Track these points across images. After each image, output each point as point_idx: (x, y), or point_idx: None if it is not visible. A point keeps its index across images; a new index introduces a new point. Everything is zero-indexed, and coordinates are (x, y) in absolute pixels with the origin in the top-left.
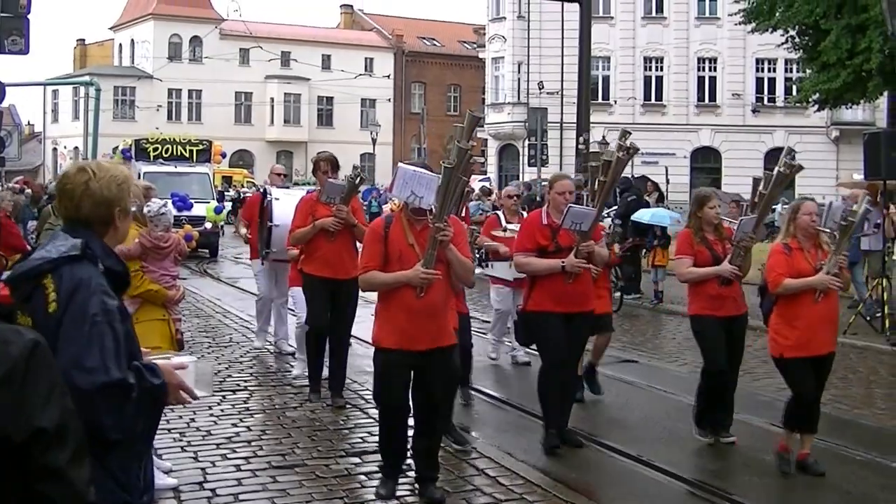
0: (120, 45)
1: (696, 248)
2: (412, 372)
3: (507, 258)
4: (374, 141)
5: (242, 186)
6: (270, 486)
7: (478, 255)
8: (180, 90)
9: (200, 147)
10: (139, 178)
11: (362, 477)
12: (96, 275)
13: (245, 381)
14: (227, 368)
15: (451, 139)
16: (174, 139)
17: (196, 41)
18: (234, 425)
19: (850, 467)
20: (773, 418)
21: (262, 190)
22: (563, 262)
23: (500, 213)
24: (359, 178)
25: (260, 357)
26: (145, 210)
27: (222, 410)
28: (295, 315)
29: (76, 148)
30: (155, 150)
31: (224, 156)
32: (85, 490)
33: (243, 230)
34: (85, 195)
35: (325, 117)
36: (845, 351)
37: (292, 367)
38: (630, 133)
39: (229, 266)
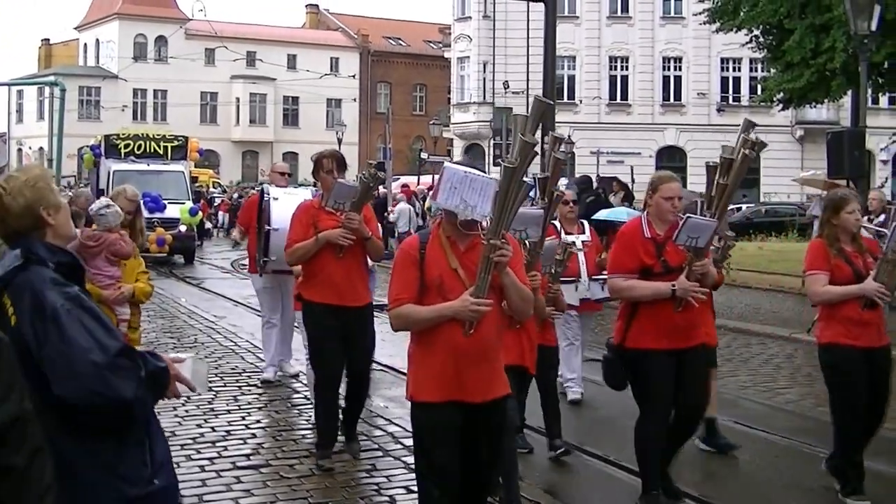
0: (85, 44)
1: (834, 262)
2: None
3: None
4: (339, 141)
5: (208, 187)
6: (235, 487)
7: None
8: (146, 90)
9: (175, 143)
10: (109, 176)
11: (326, 477)
12: (45, 274)
13: (210, 381)
14: None
15: (514, 126)
16: (147, 135)
17: (161, 41)
18: (199, 426)
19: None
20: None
21: (260, 190)
22: (673, 286)
23: (555, 222)
24: (375, 179)
25: (225, 357)
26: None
27: (186, 411)
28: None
29: (41, 148)
30: (126, 146)
31: (201, 153)
32: (42, 493)
33: (236, 233)
34: (5, 212)
35: (290, 117)
36: (810, 349)
37: (262, 370)
38: (754, 125)
39: (204, 271)
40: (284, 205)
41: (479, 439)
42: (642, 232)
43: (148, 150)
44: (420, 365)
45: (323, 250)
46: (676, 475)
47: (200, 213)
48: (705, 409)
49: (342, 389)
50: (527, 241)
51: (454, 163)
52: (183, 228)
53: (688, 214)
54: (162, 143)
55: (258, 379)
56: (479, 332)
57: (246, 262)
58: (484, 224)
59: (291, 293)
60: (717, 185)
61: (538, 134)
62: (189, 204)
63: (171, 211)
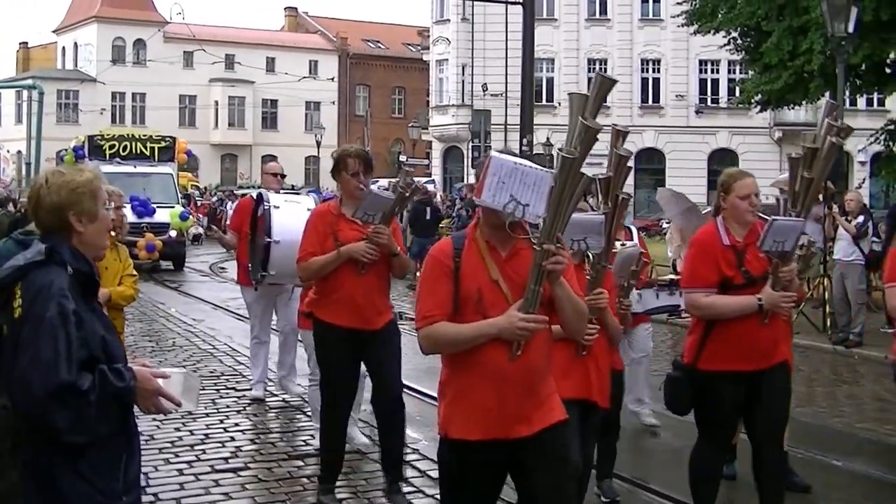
0: (63, 48)
1: None
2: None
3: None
4: (318, 144)
5: (187, 190)
6: (213, 490)
7: None
8: (124, 93)
9: (163, 144)
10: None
11: (304, 480)
12: (60, 278)
13: None
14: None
15: (570, 106)
16: (133, 135)
17: (140, 44)
18: (177, 429)
19: (793, 466)
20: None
21: (255, 195)
22: (759, 299)
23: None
24: (412, 187)
25: (203, 361)
26: None
27: (164, 414)
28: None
29: (19, 152)
30: (111, 147)
31: (189, 154)
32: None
33: (231, 237)
34: (38, 204)
35: (269, 120)
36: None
37: (250, 380)
38: (837, 106)
39: (183, 274)
40: (287, 214)
41: (534, 479)
42: (720, 239)
43: (134, 151)
44: (456, 395)
45: (342, 265)
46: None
47: (191, 218)
48: (784, 433)
49: (359, 415)
50: (589, 254)
51: (502, 152)
52: (173, 233)
53: (773, 217)
54: (148, 144)
55: (247, 397)
56: (528, 355)
57: (225, 265)
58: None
59: (289, 304)
60: (802, 179)
61: (516, 135)
62: (179, 208)
63: (161, 215)
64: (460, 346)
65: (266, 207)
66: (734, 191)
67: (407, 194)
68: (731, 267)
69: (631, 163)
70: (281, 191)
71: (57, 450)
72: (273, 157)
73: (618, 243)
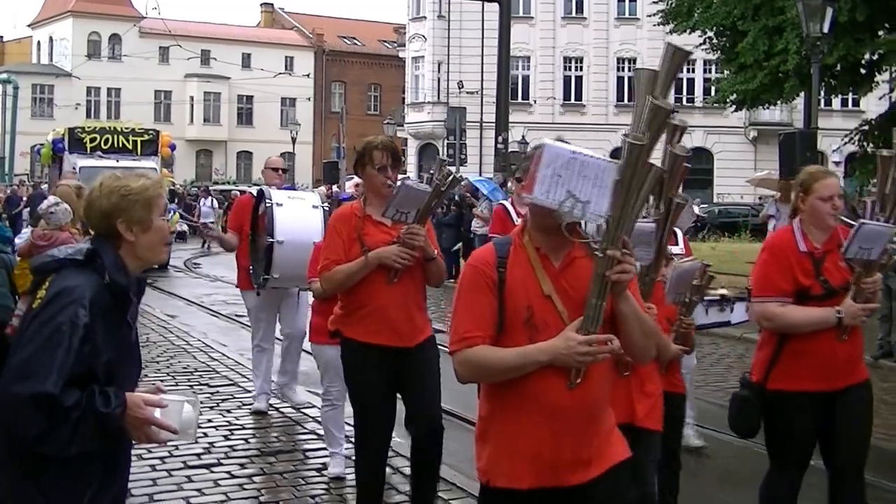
0: (38, 42)
1: None
2: None
3: None
4: (293, 140)
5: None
6: (185, 486)
7: None
8: (99, 88)
9: (146, 137)
10: (74, 172)
11: (277, 476)
12: (89, 285)
13: (161, 380)
14: (143, 368)
15: (637, 83)
16: (114, 128)
17: (115, 39)
18: None
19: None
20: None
21: (256, 192)
22: (839, 312)
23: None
24: (451, 178)
25: (177, 357)
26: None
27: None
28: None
29: None
30: (92, 140)
31: (173, 148)
32: None
33: (231, 238)
34: (89, 207)
35: (244, 116)
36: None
37: (254, 397)
38: None
39: (156, 270)
40: (291, 212)
41: None
42: (796, 244)
43: (116, 144)
44: (500, 436)
45: (371, 274)
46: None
47: (177, 215)
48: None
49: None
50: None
51: (556, 141)
52: None
53: (861, 221)
54: (131, 137)
55: (249, 409)
56: (588, 384)
57: (199, 261)
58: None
59: (296, 310)
60: (893, 180)
61: (491, 132)
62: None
63: None
64: (506, 374)
65: (268, 205)
66: (815, 192)
67: (444, 188)
68: (808, 276)
69: None
70: (283, 187)
71: (24, 456)
72: (248, 154)
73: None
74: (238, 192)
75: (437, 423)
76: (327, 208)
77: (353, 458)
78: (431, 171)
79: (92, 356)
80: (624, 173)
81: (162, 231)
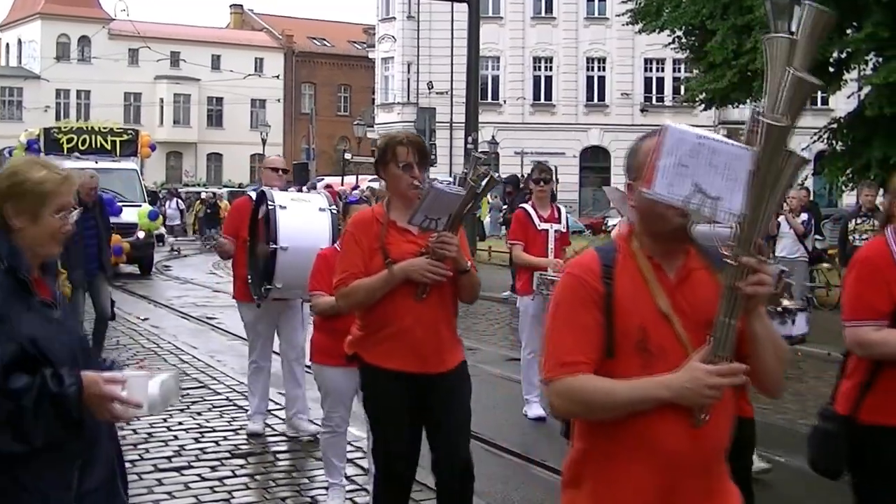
0: (7, 44)
1: None
2: None
3: None
4: (263, 142)
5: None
6: (156, 489)
7: None
8: (69, 90)
9: (125, 137)
10: None
11: (247, 479)
12: None
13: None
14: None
15: (782, 56)
16: (92, 128)
17: (84, 41)
18: (120, 428)
19: None
20: None
21: (254, 194)
22: None
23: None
24: (487, 179)
25: (147, 359)
26: None
27: (125, 421)
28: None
29: None
30: (69, 140)
31: (153, 148)
32: None
33: (226, 242)
34: None
35: (214, 118)
36: None
37: (248, 416)
38: None
39: (135, 276)
40: (295, 215)
41: None
42: (892, 256)
43: (94, 145)
44: (601, 483)
45: (395, 290)
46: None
47: (161, 218)
48: None
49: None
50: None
51: (677, 126)
52: (141, 235)
53: None
54: (109, 137)
55: (245, 432)
56: (713, 424)
57: (169, 263)
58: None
59: (295, 326)
60: None
61: (461, 133)
62: (147, 207)
63: (128, 215)
64: (615, 412)
65: (270, 207)
66: None
67: (479, 190)
68: None
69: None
70: (281, 188)
71: None
72: (218, 156)
73: None
74: (212, 194)
75: (467, 460)
76: (335, 211)
77: (371, 493)
78: (465, 171)
79: (12, 336)
80: (760, 161)
81: (50, 227)
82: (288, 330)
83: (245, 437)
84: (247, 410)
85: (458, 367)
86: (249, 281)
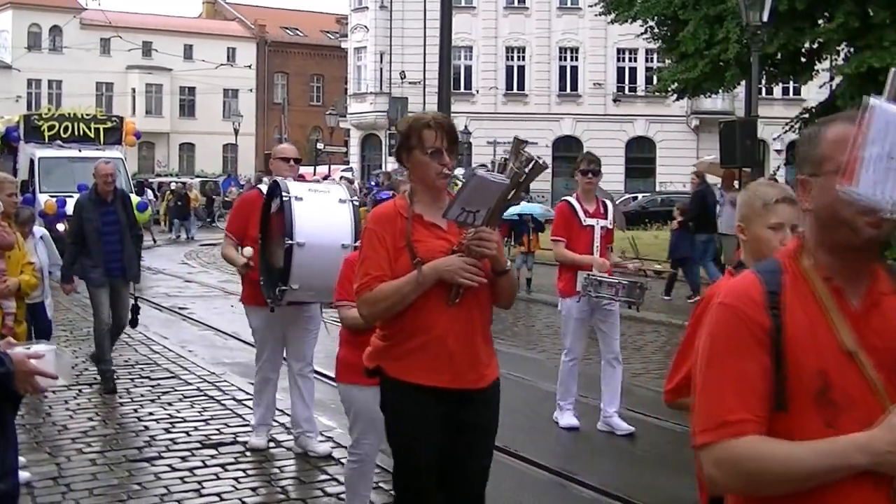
0: None
1: None
2: None
3: None
4: (236, 131)
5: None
6: (126, 481)
7: None
8: (40, 80)
9: (109, 125)
10: (33, 164)
11: (218, 469)
12: None
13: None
14: (84, 362)
15: None
16: (75, 114)
17: (56, 30)
18: (90, 419)
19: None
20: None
21: (272, 184)
22: None
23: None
24: (533, 164)
25: (118, 350)
26: None
27: (78, 404)
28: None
29: None
30: (51, 128)
31: (138, 136)
32: None
33: (235, 253)
34: None
35: (187, 108)
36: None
37: (252, 428)
38: None
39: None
40: (313, 208)
41: None
42: None
43: (77, 132)
44: None
45: (424, 294)
46: (571, 460)
47: (150, 209)
48: None
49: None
50: None
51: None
52: None
53: None
54: (93, 125)
55: (245, 446)
56: None
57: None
58: None
59: (305, 336)
60: None
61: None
62: (135, 198)
63: None
64: (799, 484)
65: (285, 199)
66: None
67: (522, 179)
68: None
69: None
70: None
71: None
72: (191, 146)
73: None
74: (181, 184)
75: (480, 491)
76: (356, 203)
77: None
78: (505, 157)
79: None
80: None
81: None
82: (297, 341)
83: (216, 427)
84: (218, 401)
85: (493, 385)
86: (261, 283)
